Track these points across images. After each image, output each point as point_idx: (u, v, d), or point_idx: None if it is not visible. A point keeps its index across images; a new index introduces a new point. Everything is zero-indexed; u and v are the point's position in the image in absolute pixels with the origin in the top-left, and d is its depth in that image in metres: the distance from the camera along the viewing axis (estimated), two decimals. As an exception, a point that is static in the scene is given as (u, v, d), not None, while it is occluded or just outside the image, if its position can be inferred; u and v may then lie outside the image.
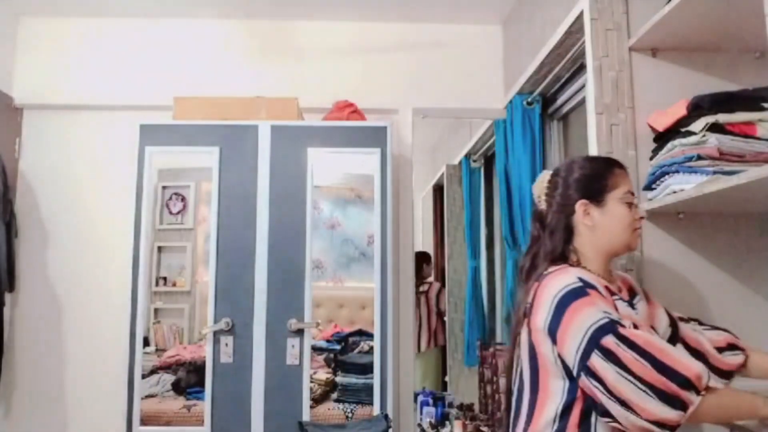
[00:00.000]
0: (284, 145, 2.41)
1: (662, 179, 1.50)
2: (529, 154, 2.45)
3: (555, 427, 1.16)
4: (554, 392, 1.17)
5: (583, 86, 2.20)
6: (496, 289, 3.17)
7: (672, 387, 1.03)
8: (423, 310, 3.27)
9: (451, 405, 2.70)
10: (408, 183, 2.77)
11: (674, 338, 1.33)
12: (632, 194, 1.29)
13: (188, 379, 2.34)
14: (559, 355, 1.14)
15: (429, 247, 3.48)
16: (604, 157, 1.47)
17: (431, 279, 3.45)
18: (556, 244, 1.28)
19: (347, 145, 2.42)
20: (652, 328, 1.30)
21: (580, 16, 1.84)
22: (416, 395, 2.69)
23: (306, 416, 2.26)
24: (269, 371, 2.27)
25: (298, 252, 2.34)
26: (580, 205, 1.27)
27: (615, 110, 1.71)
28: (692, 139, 1.40)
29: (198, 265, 2.48)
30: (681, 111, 1.46)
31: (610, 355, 1.07)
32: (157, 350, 2.41)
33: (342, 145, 2.42)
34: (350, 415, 2.30)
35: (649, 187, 1.56)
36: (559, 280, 1.18)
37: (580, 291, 1.14)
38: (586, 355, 1.09)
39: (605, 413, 1.09)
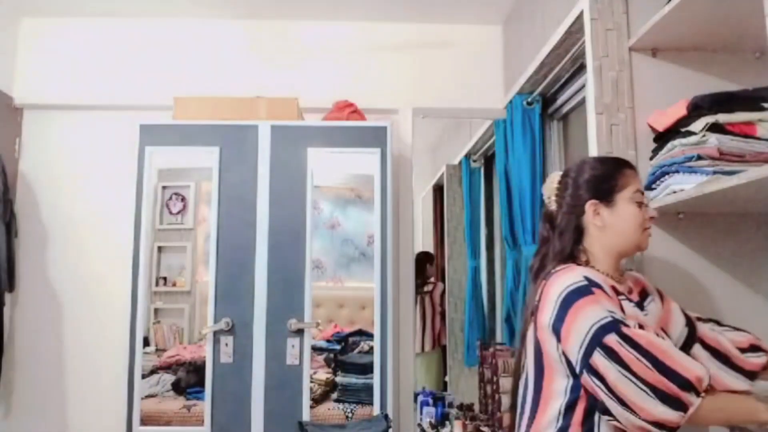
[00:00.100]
0: (284, 145, 2.41)
1: (662, 179, 1.50)
2: (529, 154, 2.45)
3: (558, 425, 1.16)
4: (558, 390, 1.18)
5: (583, 86, 2.20)
6: (496, 289, 3.17)
7: (672, 388, 1.04)
8: (428, 310, 3.26)
9: (451, 405, 2.70)
10: (408, 183, 2.77)
11: (691, 338, 1.31)
12: (642, 194, 1.29)
13: (188, 379, 2.34)
14: (563, 353, 1.15)
15: (429, 247, 3.47)
16: (614, 158, 1.47)
17: (433, 279, 3.44)
18: (565, 244, 1.29)
19: (347, 145, 2.42)
20: (664, 330, 1.29)
21: (580, 16, 1.84)
22: (416, 395, 2.69)
23: (306, 416, 2.26)
24: (269, 371, 2.27)
25: (298, 252, 2.34)
26: (590, 205, 1.28)
27: (615, 110, 1.71)
28: (692, 139, 1.40)
29: (198, 265, 2.48)
30: (681, 111, 1.46)
31: (612, 354, 1.07)
32: (157, 350, 2.41)
33: (342, 145, 2.42)
34: (350, 415, 2.30)
35: (649, 187, 1.56)
36: (564, 279, 1.19)
37: (585, 289, 1.15)
38: (588, 353, 1.09)
39: (605, 411, 1.10)
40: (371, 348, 2.33)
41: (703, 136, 1.38)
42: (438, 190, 3.46)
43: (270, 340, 2.29)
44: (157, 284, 2.42)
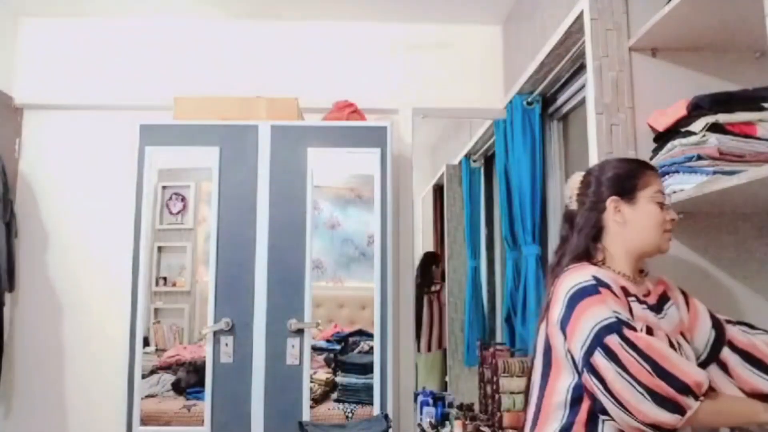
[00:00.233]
0: (284, 145, 2.41)
1: (662, 179, 1.50)
2: (529, 154, 2.45)
3: (563, 422, 1.17)
4: (563, 387, 1.18)
5: (583, 86, 2.20)
6: (496, 289, 3.17)
7: (669, 391, 1.04)
8: (435, 311, 3.25)
9: (451, 405, 2.69)
10: (408, 183, 2.77)
11: (719, 341, 1.29)
12: (663, 195, 1.29)
13: (188, 379, 2.34)
14: (569, 351, 1.16)
15: (429, 247, 3.47)
16: (637, 159, 1.47)
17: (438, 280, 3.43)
18: (583, 241, 1.29)
19: (347, 145, 2.42)
20: (685, 333, 1.27)
21: (580, 16, 1.84)
22: (416, 395, 2.69)
23: (306, 416, 2.26)
24: (269, 371, 2.27)
25: (298, 252, 2.34)
26: (611, 202, 1.28)
27: (615, 110, 1.71)
28: (692, 139, 1.40)
29: (198, 265, 2.48)
30: (681, 111, 1.46)
31: (611, 355, 1.08)
32: (157, 350, 2.41)
33: (342, 145, 2.42)
34: (350, 415, 2.30)
35: (649, 187, 1.56)
36: (573, 277, 1.20)
37: (592, 289, 1.15)
38: (590, 352, 1.10)
39: (603, 411, 1.10)
40: (371, 348, 2.33)
41: (703, 136, 1.38)
42: (438, 190, 3.46)
43: (270, 340, 2.29)
44: (157, 284, 2.42)
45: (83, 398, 2.64)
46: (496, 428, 2.33)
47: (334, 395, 2.38)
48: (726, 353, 1.27)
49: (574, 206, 1.36)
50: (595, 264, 1.26)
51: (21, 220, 2.72)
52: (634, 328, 1.11)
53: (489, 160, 3.27)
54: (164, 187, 2.49)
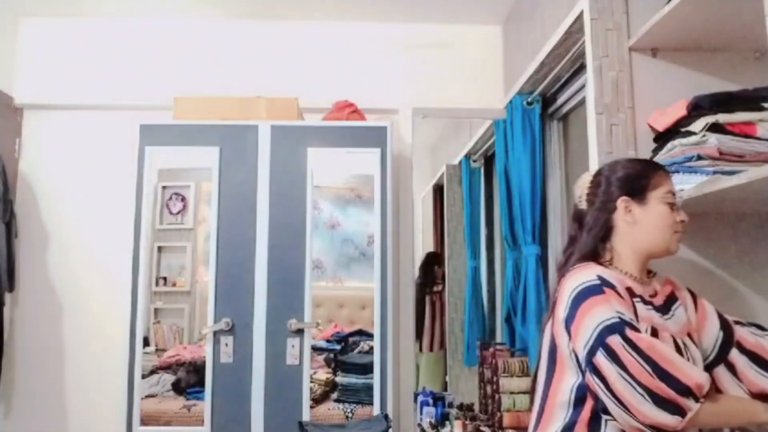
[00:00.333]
0: (284, 145, 2.41)
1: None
2: (529, 154, 2.45)
3: (566, 421, 1.17)
4: (567, 386, 1.19)
5: (583, 86, 2.20)
6: (496, 289, 3.17)
7: (670, 393, 1.04)
8: (437, 311, 3.25)
9: (451, 405, 2.70)
10: (408, 183, 2.77)
11: (727, 342, 1.28)
12: (674, 195, 1.29)
13: (188, 379, 2.34)
14: (573, 350, 1.16)
15: (429, 247, 3.47)
16: (647, 159, 1.47)
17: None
18: (591, 240, 1.29)
19: (347, 145, 2.42)
20: (693, 334, 1.26)
21: (580, 16, 1.84)
22: (416, 395, 2.69)
23: (306, 416, 2.26)
24: (269, 371, 2.27)
25: (298, 252, 2.34)
26: (621, 201, 1.28)
27: (615, 110, 1.71)
28: (692, 139, 1.40)
29: (198, 265, 2.48)
30: (681, 111, 1.46)
31: (612, 355, 1.08)
32: (157, 350, 2.41)
33: (342, 145, 2.42)
34: (350, 415, 2.30)
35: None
36: (578, 276, 1.20)
37: (596, 288, 1.15)
38: (592, 352, 1.10)
39: (605, 411, 1.11)
40: (371, 348, 2.33)
41: (703, 136, 1.38)
42: (438, 190, 3.46)
43: (270, 340, 2.29)
44: (157, 284, 2.42)
45: (83, 398, 2.64)
46: (496, 428, 2.33)
47: (334, 395, 2.38)
48: (734, 355, 1.27)
49: (583, 206, 1.36)
50: (602, 264, 1.26)
51: (21, 220, 2.72)
52: (637, 329, 1.11)
53: (489, 160, 3.27)
54: (164, 187, 2.49)
